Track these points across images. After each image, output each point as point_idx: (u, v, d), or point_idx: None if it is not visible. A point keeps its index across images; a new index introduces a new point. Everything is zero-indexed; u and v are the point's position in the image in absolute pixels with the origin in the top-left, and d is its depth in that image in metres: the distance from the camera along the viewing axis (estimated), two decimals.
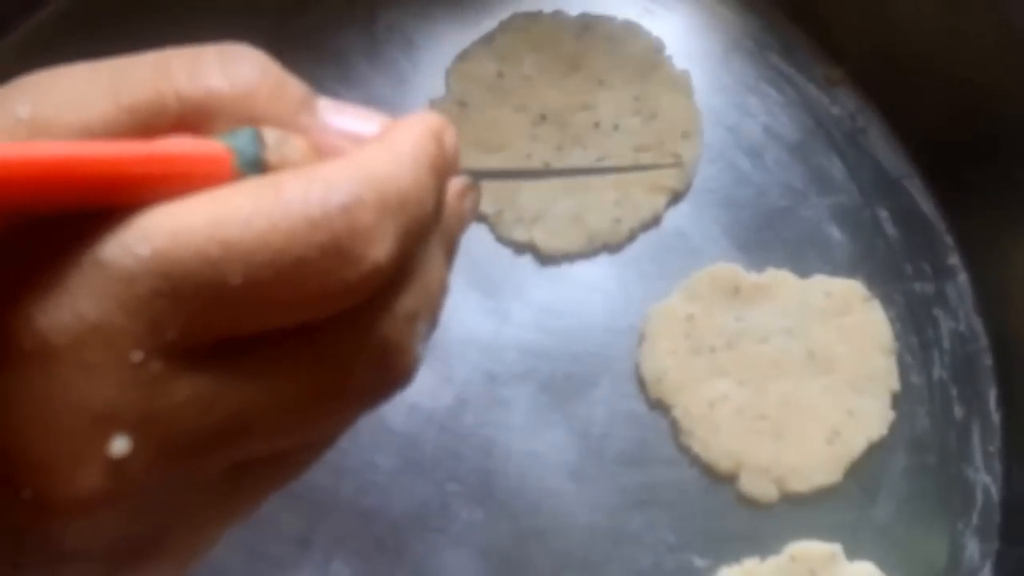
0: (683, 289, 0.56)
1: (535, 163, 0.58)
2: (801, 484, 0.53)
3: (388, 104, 0.59)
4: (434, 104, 0.59)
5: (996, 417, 0.56)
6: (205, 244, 0.24)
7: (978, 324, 0.57)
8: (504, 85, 0.59)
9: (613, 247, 0.58)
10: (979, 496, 0.55)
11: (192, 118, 0.26)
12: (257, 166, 0.26)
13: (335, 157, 0.27)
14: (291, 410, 0.26)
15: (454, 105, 0.59)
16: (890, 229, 0.58)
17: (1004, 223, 0.57)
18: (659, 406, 0.55)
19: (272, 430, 0.26)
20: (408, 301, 0.28)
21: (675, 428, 0.55)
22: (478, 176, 0.34)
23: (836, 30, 0.60)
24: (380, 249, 0.25)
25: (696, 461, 0.54)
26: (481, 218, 0.57)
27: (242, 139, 0.26)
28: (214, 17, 0.61)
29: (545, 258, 0.57)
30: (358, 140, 0.28)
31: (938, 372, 0.56)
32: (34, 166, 0.22)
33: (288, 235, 0.24)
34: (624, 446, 0.55)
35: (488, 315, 0.56)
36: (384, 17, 0.61)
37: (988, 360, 0.57)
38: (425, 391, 0.54)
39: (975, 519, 0.54)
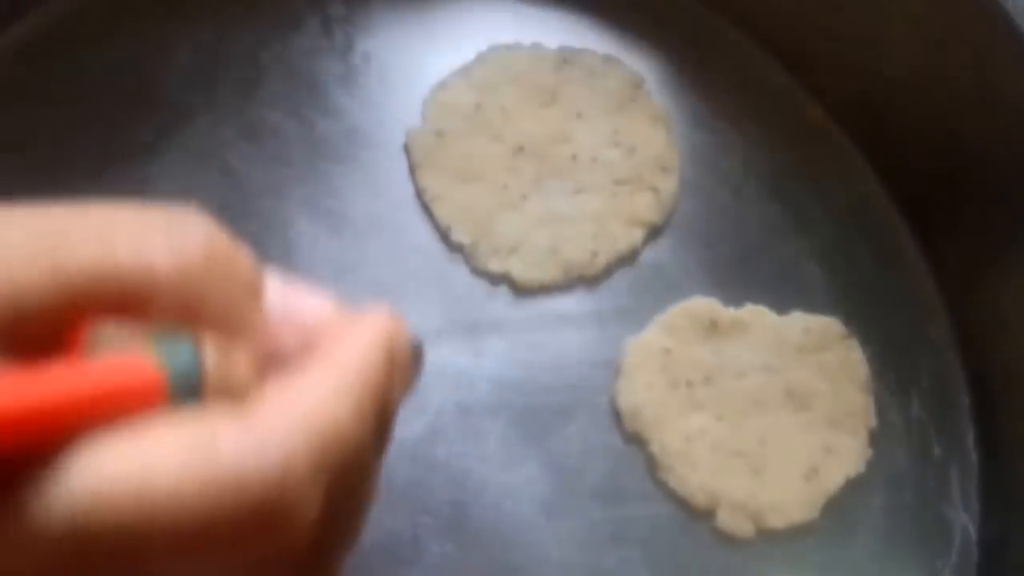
0: (660, 323, 0.58)
1: (512, 194, 0.59)
2: (778, 521, 0.54)
3: (365, 133, 0.61)
4: (411, 134, 0.60)
5: (974, 456, 0.58)
6: (128, 513, 0.23)
7: (956, 363, 0.59)
8: (482, 116, 0.61)
9: (590, 280, 0.59)
10: (957, 535, 0.56)
11: (132, 297, 0.25)
12: (192, 389, 0.25)
13: (276, 385, 0.27)
14: None
15: (431, 135, 0.60)
16: (869, 267, 0.60)
17: (983, 262, 0.59)
18: (635, 440, 0.56)
19: None
20: (335, 539, 0.28)
21: (651, 463, 0.56)
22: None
23: (817, 69, 0.63)
24: (311, 509, 0.25)
25: (672, 496, 0.55)
26: (457, 249, 0.59)
27: (180, 356, 0.25)
28: (189, 42, 0.62)
29: (521, 290, 0.59)
30: (305, 332, 0.28)
31: (916, 411, 0.58)
32: None
33: (217, 502, 0.23)
34: (599, 481, 0.55)
35: (463, 346, 0.57)
36: (361, 46, 0.63)
37: (966, 399, 0.59)
38: (398, 421, 0.55)
39: (953, 558, 0.56)
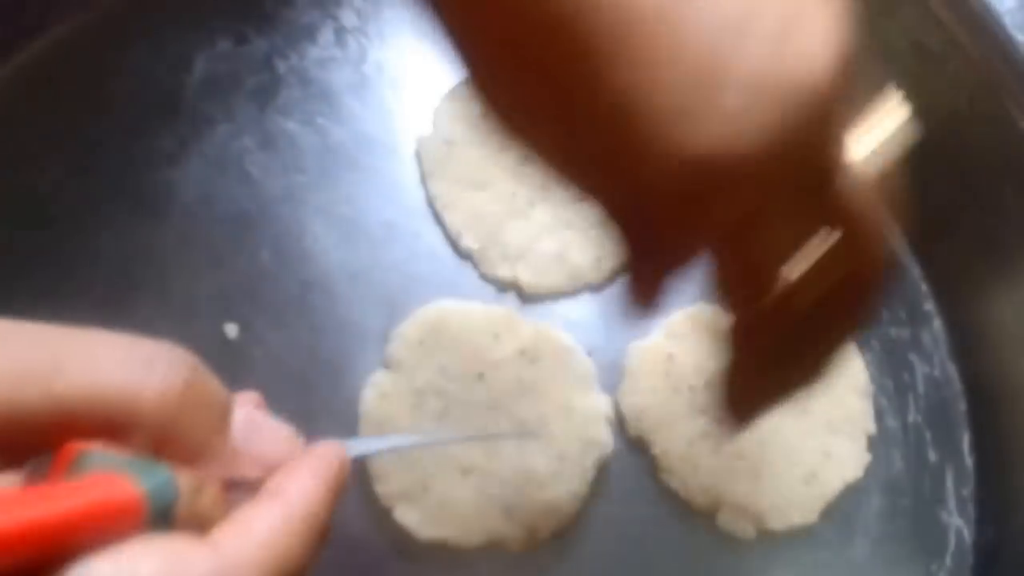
0: (664, 328, 0.59)
1: (520, 202, 0.61)
2: (778, 523, 0.56)
3: (377, 141, 0.63)
4: (422, 142, 0.62)
5: (969, 461, 0.59)
6: None
7: (952, 369, 0.61)
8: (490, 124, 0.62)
9: (596, 285, 0.61)
10: (952, 539, 0.58)
11: (118, 422, 0.28)
12: (166, 517, 0.28)
13: (237, 514, 0.30)
14: None
15: (441, 143, 0.62)
16: None
17: (978, 270, 0.60)
18: (638, 443, 0.58)
19: None
20: None
21: (654, 465, 0.57)
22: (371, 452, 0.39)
23: None
24: None
25: (674, 498, 0.57)
26: (466, 256, 0.61)
27: (159, 483, 0.28)
28: (206, 53, 0.64)
29: (528, 295, 0.61)
30: (263, 461, 0.33)
31: (913, 416, 0.60)
32: None
33: None
34: (603, 483, 0.57)
35: None
36: (374, 55, 0.65)
37: (962, 405, 0.60)
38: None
39: (948, 561, 0.57)
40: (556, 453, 0.56)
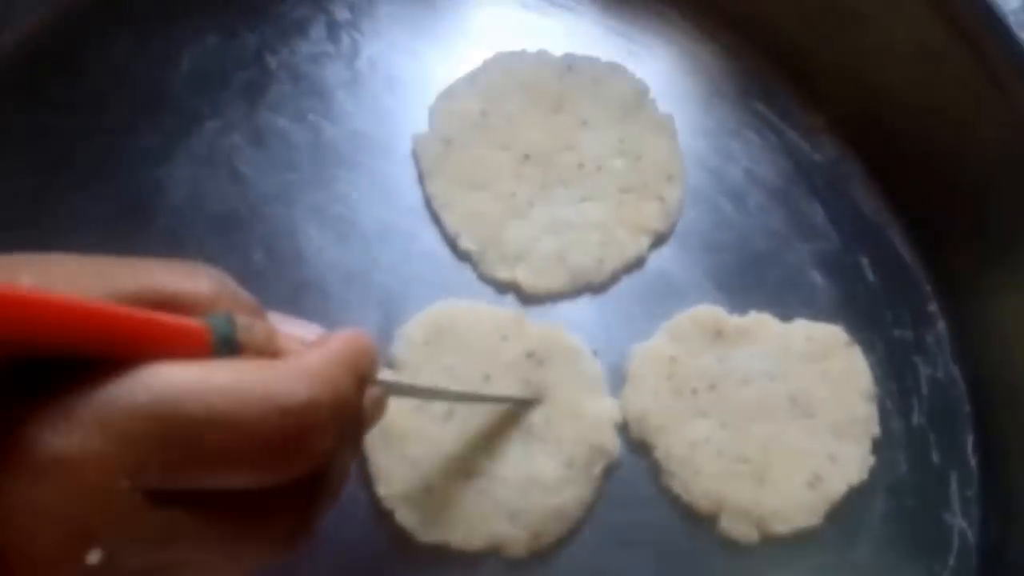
0: (666, 330, 0.59)
1: (519, 202, 0.60)
2: (782, 527, 0.56)
3: (372, 139, 0.62)
4: (418, 141, 0.61)
5: (973, 463, 0.59)
6: (195, 404, 0.31)
7: (956, 371, 0.61)
8: (488, 123, 0.62)
9: (596, 287, 0.60)
10: (956, 541, 0.58)
11: (183, 310, 0.33)
12: (229, 344, 0.33)
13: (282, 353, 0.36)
14: (219, 554, 0.33)
15: (438, 142, 0.61)
16: (871, 275, 0.62)
17: (983, 271, 0.60)
18: (640, 447, 0.57)
19: (203, 565, 0.33)
20: (323, 487, 0.37)
21: (656, 469, 0.57)
22: (388, 387, 0.43)
23: (818, 78, 0.64)
24: (327, 442, 0.34)
25: (677, 502, 0.56)
26: (464, 257, 0.60)
27: (218, 320, 0.33)
28: (194, 48, 0.63)
29: (528, 297, 0.60)
30: (299, 342, 0.38)
31: (917, 418, 0.60)
32: (52, 307, 0.28)
33: (260, 417, 0.32)
34: (605, 486, 0.57)
35: None
36: (367, 51, 0.64)
37: (966, 407, 0.60)
38: None
39: (952, 563, 0.57)
40: (564, 459, 0.55)
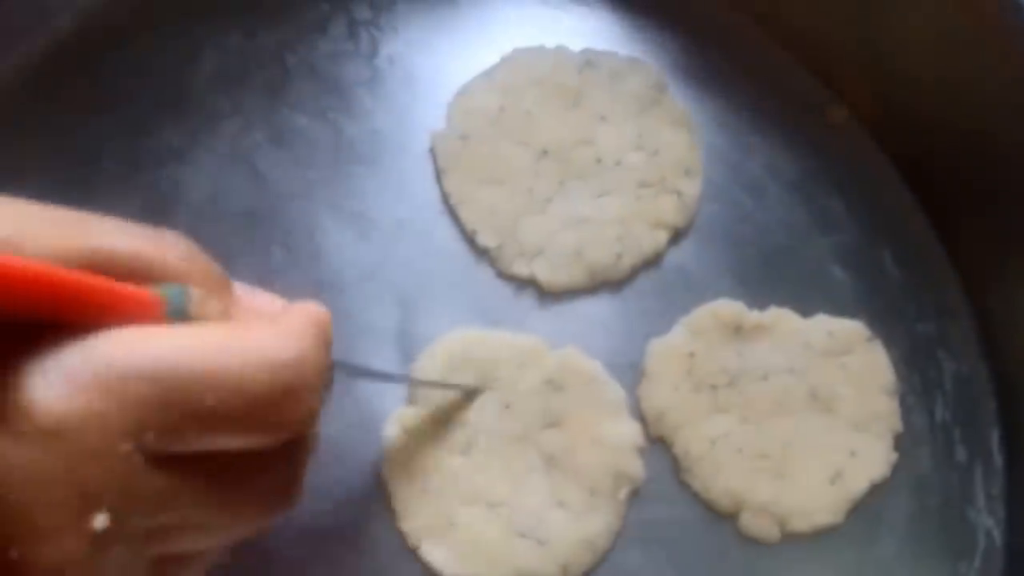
0: (685, 326, 0.59)
1: (537, 198, 0.61)
2: (803, 524, 0.56)
3: (390, 136, 0.62)
4: (435, 137, 0.62)
5: (999, 460, 0.59)
6: (194, 365, 0.31)
7: (981, 366, 0.60)
8: (506, 119, 0.62)
9: (614, 283, 0.60)
10: (982, 539, 0.57)
11: (142, 273, 0.34)
12: (182, 316, 0.34)
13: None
14: (216, 516, 0.34)
15: (455, 139, 0.62)
16: (892, 269, 0.61)
17: (1007, 264, 0.59)
18: (660, 443, 0.57)
19: (201, 528, 0.34)
20: (305, 445, 0.38)
21: (676, 466, 0.57)
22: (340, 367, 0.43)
23: (839, 70, 0.64)
24: (315, 400, 0.35)
25: (697, 499, 0.56)
26: (482, 252, 0.60)
27: (173, 291, 0.34)
28: (215, 47, 0.64)
29: (546, 293, 0.60)
30: (263, 312, 0.39)
31: (941, 414, 0.59)
32: (16, 275, 0.28)
33: (253, 375, 0.32)
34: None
35: None
36: (386, 49, 0.64)
37: (991, 403, 0.60)
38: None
39: (978, 563, 0.57)
40: (587, 486, 0.55)
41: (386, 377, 0.56)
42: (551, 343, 0.58)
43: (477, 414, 0.56)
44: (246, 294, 0.39)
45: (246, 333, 0.33)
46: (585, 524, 0.55)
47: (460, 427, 0.56)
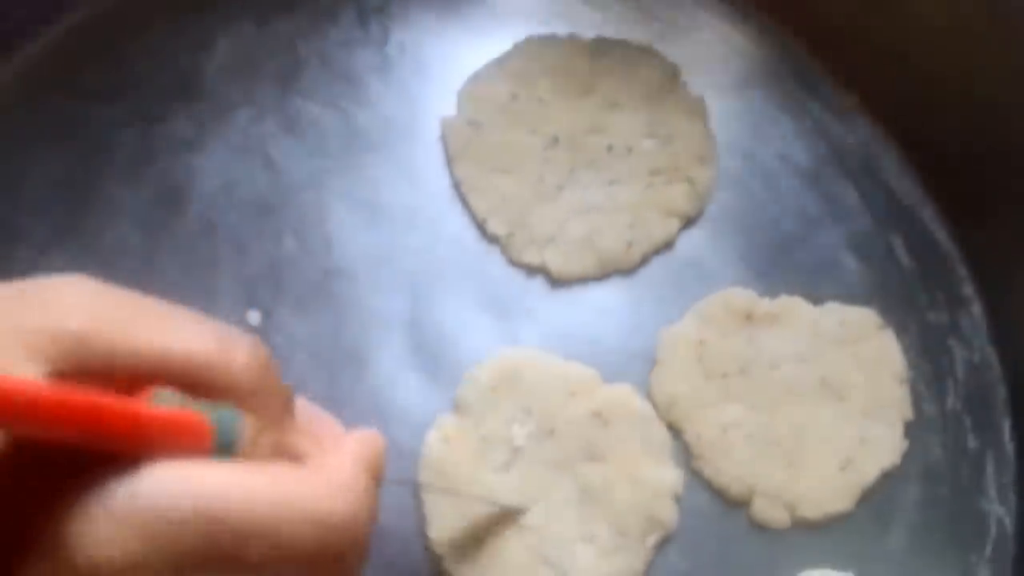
0: (696, 314, 0.59)
1: (548, 185, 0.61)
2: (813, 511, 0.56)
3: (401, 124, 0.63)
4: (446, 125, 0.62)
5: (1010, 448, 0.59)
6: (240, 513, 0.30)
7: (992, 354, 0.60)
8: (517, 107, 0.62)
9: (625, 271, 0.61)
10: (993, 528, 0.57)
11: (206, 384, 0.32)
12: (231, 449, 0.32)
13: (302, 459, 0.35)
14: None
15: (466, 126, 0.62)
16: (904, 258, 0.62)
17: (1019, 253, 0.60)
18: (671, 430, 0.57)
19: None
20: None
21: (687, 453, 0.57)
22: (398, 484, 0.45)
23: (852, 58, 0.64)
24: (361, 559, 0.34)
25: (708, 486, 0.57)
26: (493, 240, 0.61)
27: (226, 418, 0.32)
28: (227, 36, 0.64)
29: (557, 281, 0.60)
30: (320, 441, 0.37)
31: (952, 402, 0.59)
32: (61, 405, 0.27)
33: (304, 530, 0.31)
34: None
35: (498, 337, 0.59)
36: (397, 36, 0.65)
37: (1002, 391, 0.60)
38: (433, 413, 0.57)
39: (988, 551, 0.57)
40: (618, 526, 0.55)
41: (425, 488, 0.56)
42: (561, 332, 0.59)
43: (520, 436, 0.56)
44: (307, 413, 0.38)
45: (299, 482, 0.32)
46: (609, 563, 0.54)
47: (501, 444, 0.56)
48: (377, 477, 0.37)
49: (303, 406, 0.38)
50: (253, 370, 0.33)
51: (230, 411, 0.32)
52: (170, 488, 0.29)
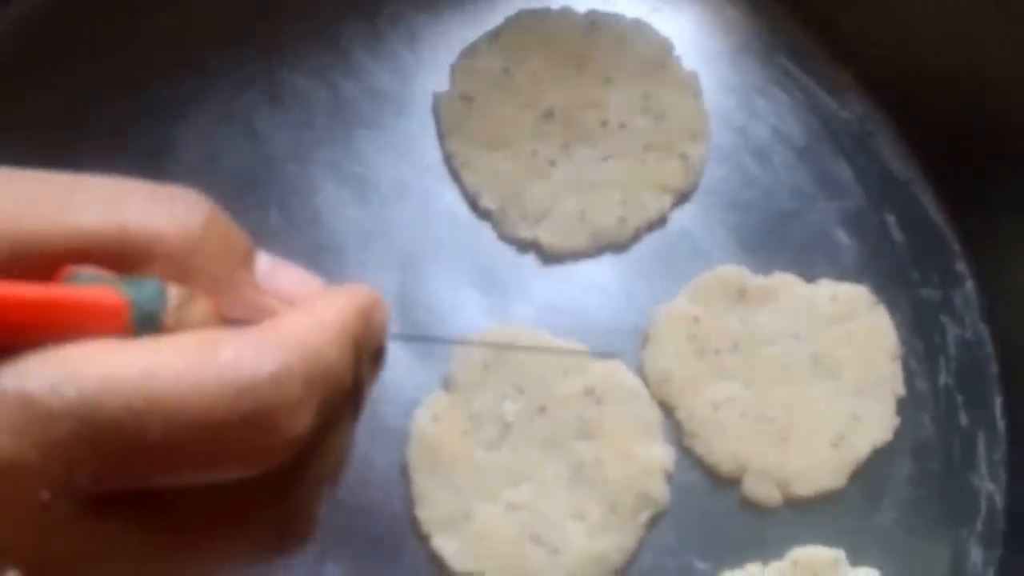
0: (688, 290, 0.59)
1: (541, 161, 0.61)
2: (805, 488, 0.56)
3: (391, 97, 0.62)
4: (438, 99, 0.62)
5: (1001, 425, 0.60)
6: (131, 396, 0.26)
7: (984, 331, 0.61)
8: (510, 81, 0.62)
9: (618, 247, 0.61)
10: (983, 504, 0.58)
11: (131, 254, 0.28)
12: (153, 322, 0.28)
13: (264, 318, 0.30)
14: (180, 566, 0.29)
15: (459, 100, 0.62)
16: (897, 234, 0.62)
17: (1012, 230, 0.60)
18: (663, 408, 0.58)
19: None
20: (317, 469, 0.31)
21: (679, 430, 0.57)
22: (406, 339, 0.39)
23: (845, 33, 0.64)
24: (301, 422, 0.28)
25: (700, 463, 0.57)
26: (484, 216, 0.60)
27: (145, 292, 0.28)
28: (213, 4, 0.63)
29: (549, 257, 0.60)
30: (289, 302, 0.32)
31: (944, 379, 0.60)
32: None
33: (214, 400, 0.27)
34: None
35: (490, 313, 0.59)
36: (388, 8, 0.64)
37: (994, 368, 0.61)
38: (424, 388, 0.57)
39: (979, 526, 0.58)
40: (609, 503, 0.55)
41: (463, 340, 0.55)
42: (553, 308, 0.59)
43: (511, 412, 0.56)
44: (272, 273, 0.33)
45: (215, 345, 0.28)
46: (600, 540, 0.55)
47: (492, 422, 0.56)
48: (362, 333, 0.32)
49: (269, 262, 0.33)
50: (196, 226, 0.29)
51: (153, 282, 0.28)
52: (48, 374, 0.25)
